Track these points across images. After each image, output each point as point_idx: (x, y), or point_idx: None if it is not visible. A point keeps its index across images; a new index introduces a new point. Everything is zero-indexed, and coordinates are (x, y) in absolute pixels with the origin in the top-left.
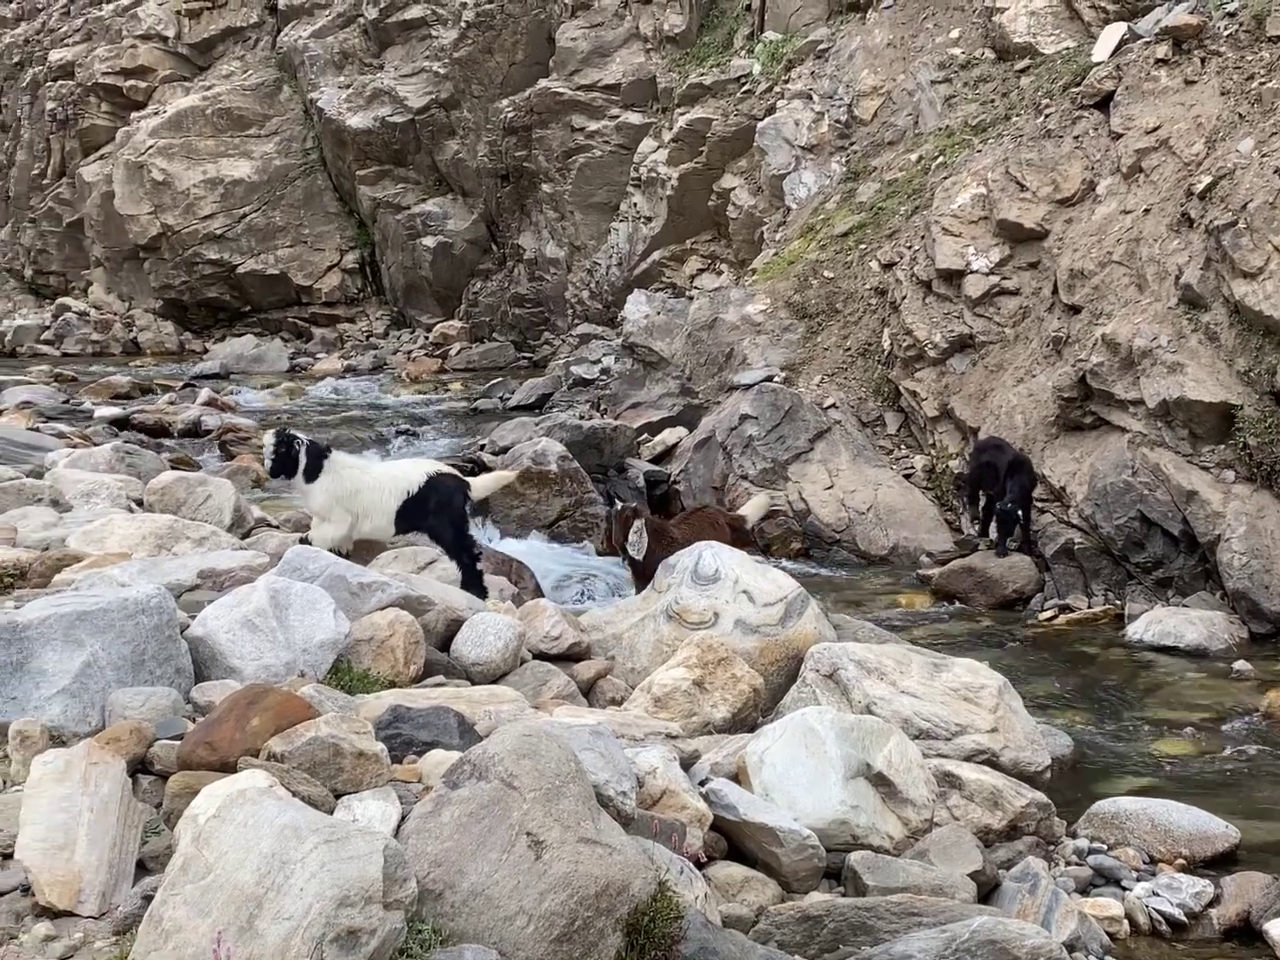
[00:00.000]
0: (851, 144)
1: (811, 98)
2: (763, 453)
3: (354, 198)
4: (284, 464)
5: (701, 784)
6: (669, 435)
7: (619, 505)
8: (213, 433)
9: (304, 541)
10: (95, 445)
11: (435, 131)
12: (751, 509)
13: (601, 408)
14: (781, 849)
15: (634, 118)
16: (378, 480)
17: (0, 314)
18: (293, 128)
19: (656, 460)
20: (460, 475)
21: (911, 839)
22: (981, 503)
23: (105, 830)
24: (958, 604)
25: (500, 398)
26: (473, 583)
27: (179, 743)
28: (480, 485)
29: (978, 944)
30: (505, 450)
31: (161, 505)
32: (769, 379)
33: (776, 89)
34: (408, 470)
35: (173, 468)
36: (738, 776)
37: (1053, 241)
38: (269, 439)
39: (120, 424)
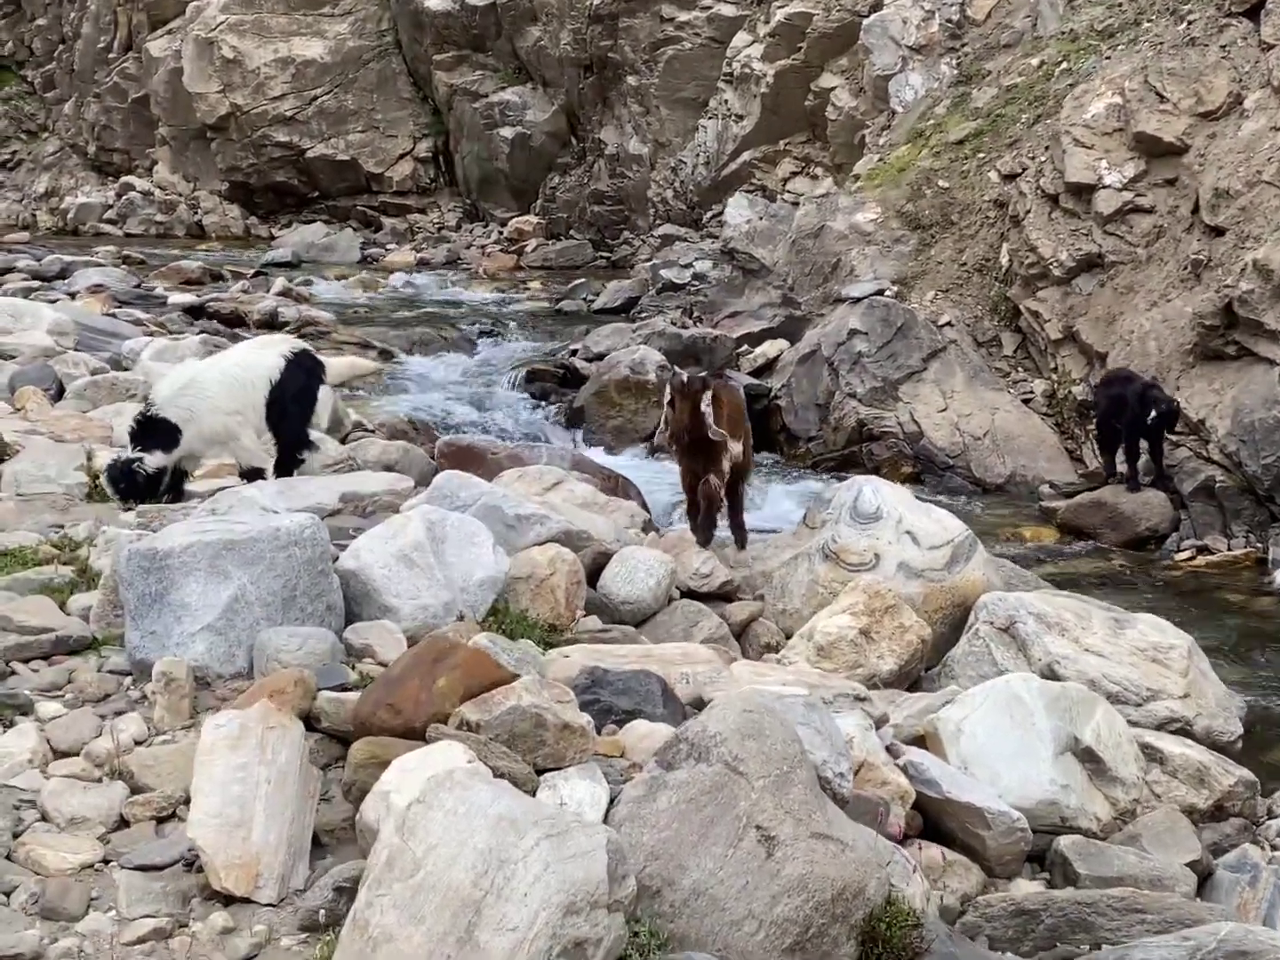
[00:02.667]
0: (963, 45)
1: None
2: (872, 370)
3: (429, 84)
4: (135, 484)
5: (888, 748)
6: (769, 348)
7: (680, 373)
8: (290, 325)
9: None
10: (171, 333)
11: (517, 16)
12: None
13: (695, 315)
14: (988, 831)
15: (727, 9)
16: (229, 375)
17: (63, 190)
18: (368, 7)
19: (756, 373)
20: (313, 351)
21: (1119, 821)
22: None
23: (283, 804)
24: (1086, 540)
25: (584, 299)
26: (285, 467)
27: (345, 695)
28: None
29: (1225, 954)
30: (600, 357)
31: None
32: (879, 292)
33: None
34: (261, 354)
35: None
36: (923, 741)
37: (1193, 158)
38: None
39: (195, 312)
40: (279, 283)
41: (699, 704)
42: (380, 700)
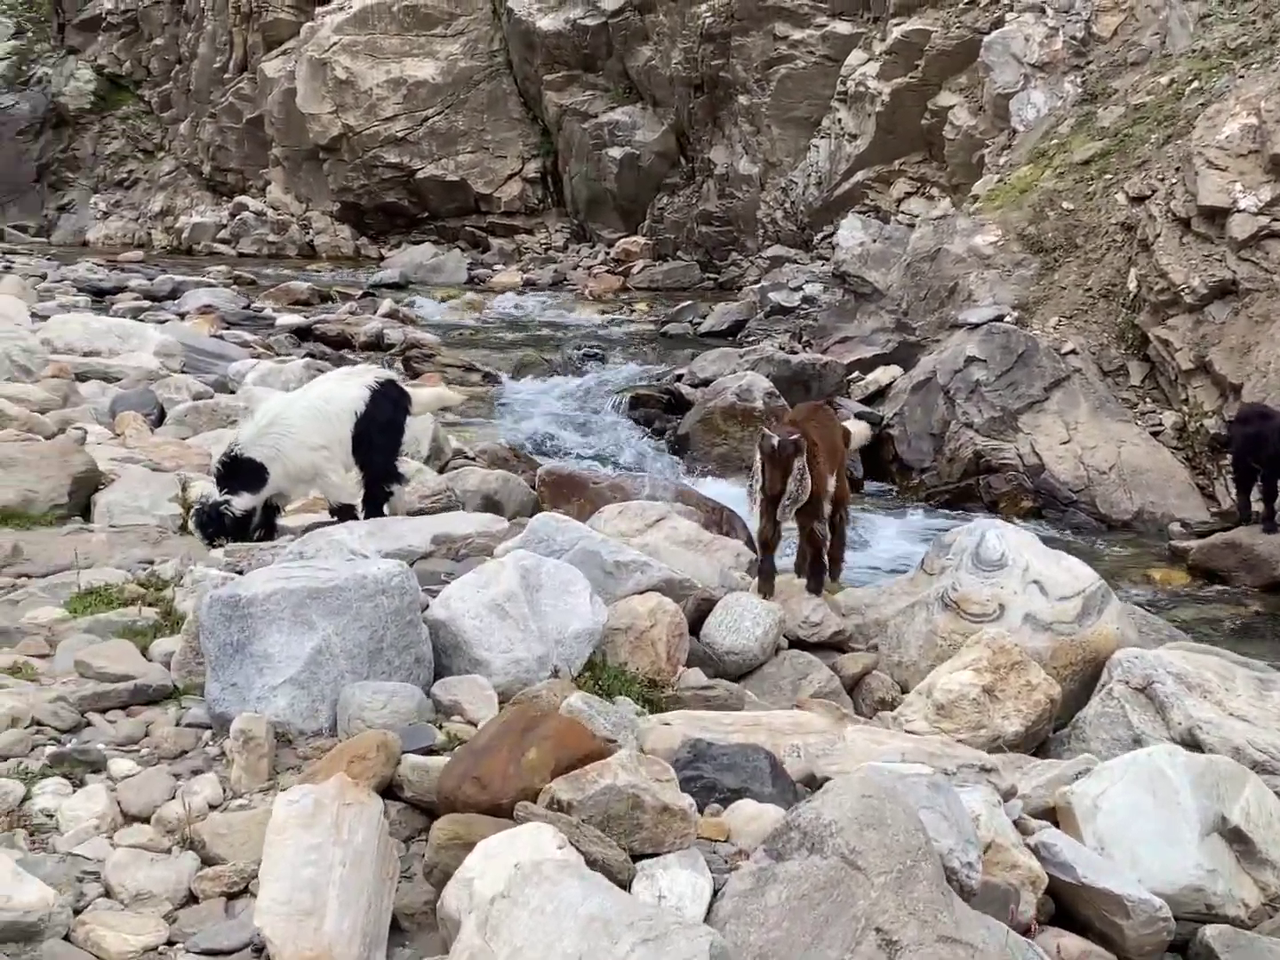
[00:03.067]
0: (1088, 63)
1: (1044, 11)
2: (991, 400)
3: (539, 104)
4: (222, 527)
5: (1016, 824)
6: (881, 374)
7: (771, 436)
8: (395, 347)
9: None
10: (278, 355)
11: (628, 36)
12: (854, 429)
13: (804, 339)
14: (1128, 920)
15: (842, 27)
16: (313, 409)
17: (178, 210)
18: (480, 28)
19: (868, 401)
20: (398, 381)
21: (1269, 907)
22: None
23: (359, 889)
24: (1220, 584)
25: (691, 322)
26: (373, 506)
27: (429, 761)
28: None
29: None
30: (706, 383)
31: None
32: (999, 318)
33: (1004, 0)
34: (345, 385)
35: None
36: (1052, 814)
37: None
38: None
39: (302, 333)
40: (385, 304)
41: (811, 781)
42: (465, 773)
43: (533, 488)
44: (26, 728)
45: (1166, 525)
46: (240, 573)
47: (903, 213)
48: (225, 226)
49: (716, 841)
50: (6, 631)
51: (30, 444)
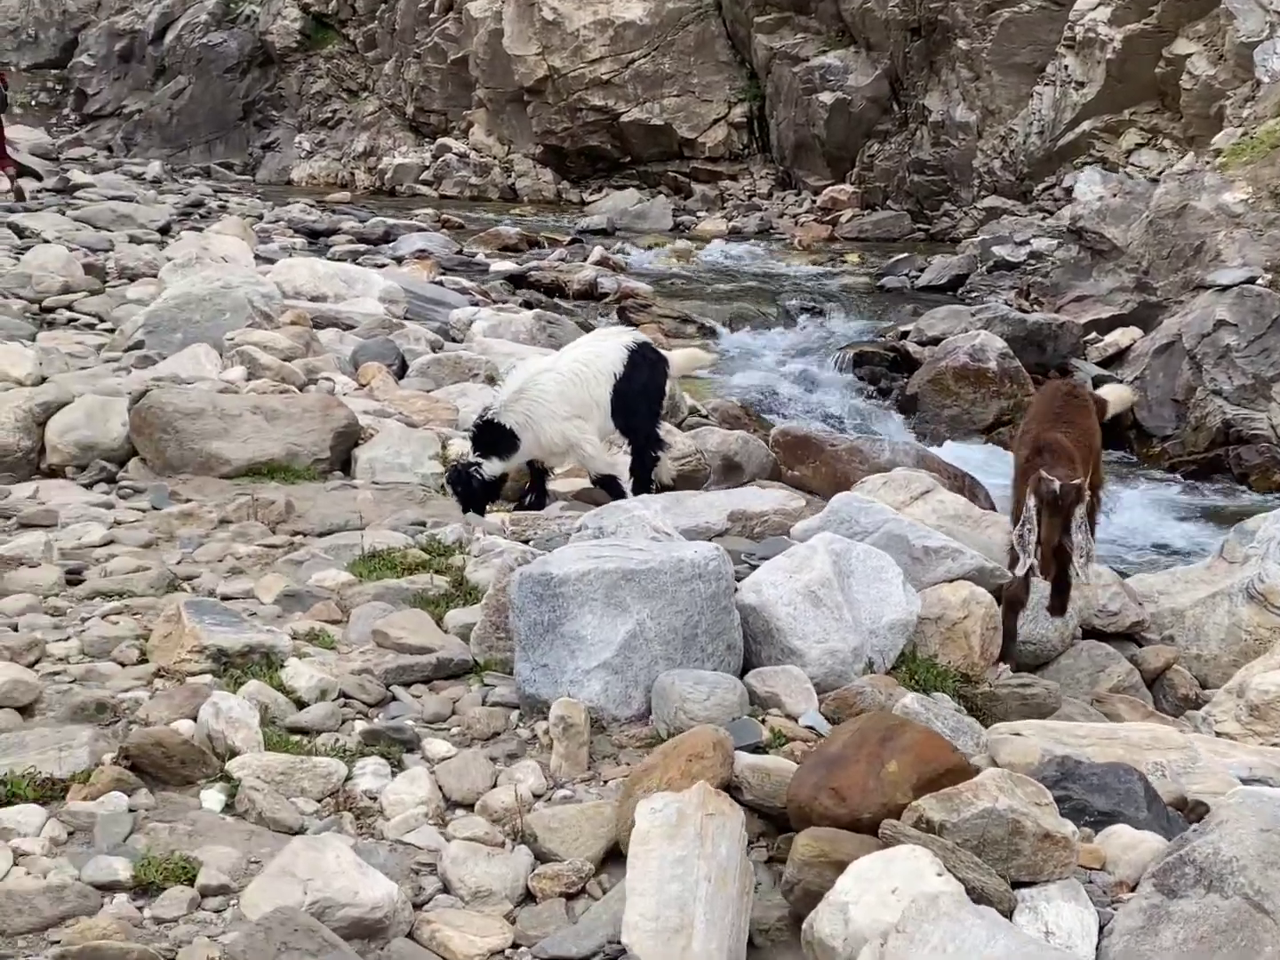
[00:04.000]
0: None
1: None
2: (1242, 366)
3: (748, 47)
4: (471, 490)
5: None
6: (1120, 336)
7: (1051, 479)
8: (609, 295)
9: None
10: (495, 303)
11: None
12: (1113, 397)
13: (1032, 297)
14: None
15: None
16: (568, 376)
17: (381, 150)
18: None
19: (1105, 364)
20: (655, 345)
21: None
22: None
23: (724, 906)
24: None
25: (907, 275)
26: (642, 483)
27: (765, 763)
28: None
29: None
30: (935, 341)
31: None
32: (1251, 280)
33: None
34: (601, 348)
35: None
36: None
37: None
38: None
39: (516, 280)
40: (596, 252)
41: (1181, 804)
42: (821, 784)
43: (769, 447)
44: (334, 700)
45: None
46: (526, 542)
47: (1132, 165)
48: (428, 168)
49: (1092, 870)
50: (298, 595)
51: (291, 396)
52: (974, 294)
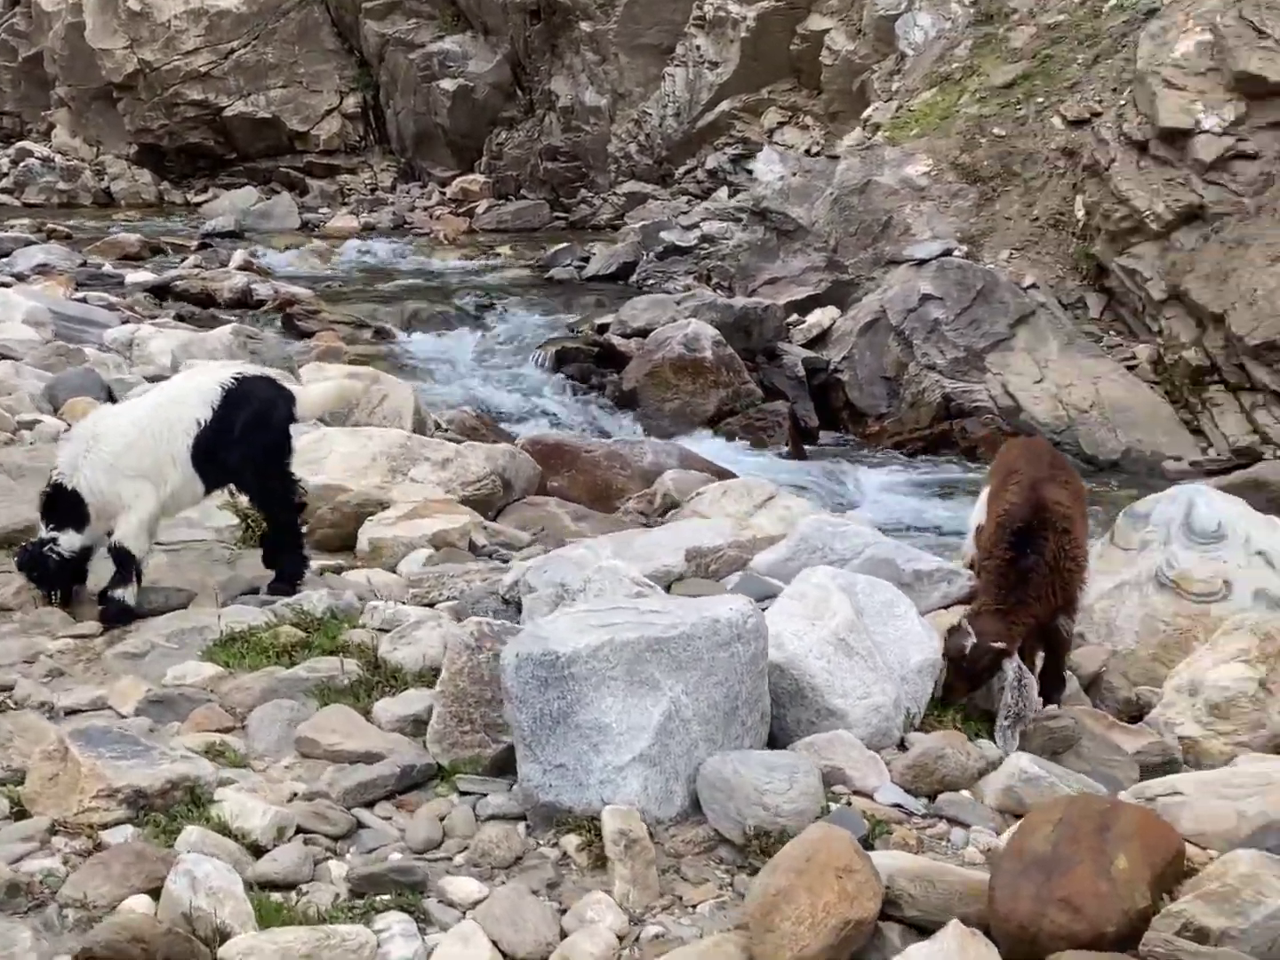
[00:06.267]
0: None
1: None
2: (953, 339)
3: (356, 33)
4: (48, 572)
5: None
6: (821, 316)
7: (965, 633)
8: (266, 303)
9: (116, 552)
10: (148, 318)
11: None
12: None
13: (714, 281)
14: None
15: None
16: (149, 417)
17: None
18: None
19: (810, 345)
20: (274, 379)
21: None
22: None
23: None
24: None
25: (573, 265)
26: (293, 551)
27: (927, 866)
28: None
29: None
30: (642, 333)
31: (331, 410)
32: (948, 253)
33: None
34: (193, 383)
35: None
36: None
37: None
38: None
39: (159, 291)
40: (238, 256)
41: None
42: (1043, 895)
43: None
44: (294, 836)
45: (1158, 464)
46: (432, 605)
47: (776, 143)
48: (7, 175)
49: None
50: (166, 699)
51: (35, 449)
52: (650, 281)
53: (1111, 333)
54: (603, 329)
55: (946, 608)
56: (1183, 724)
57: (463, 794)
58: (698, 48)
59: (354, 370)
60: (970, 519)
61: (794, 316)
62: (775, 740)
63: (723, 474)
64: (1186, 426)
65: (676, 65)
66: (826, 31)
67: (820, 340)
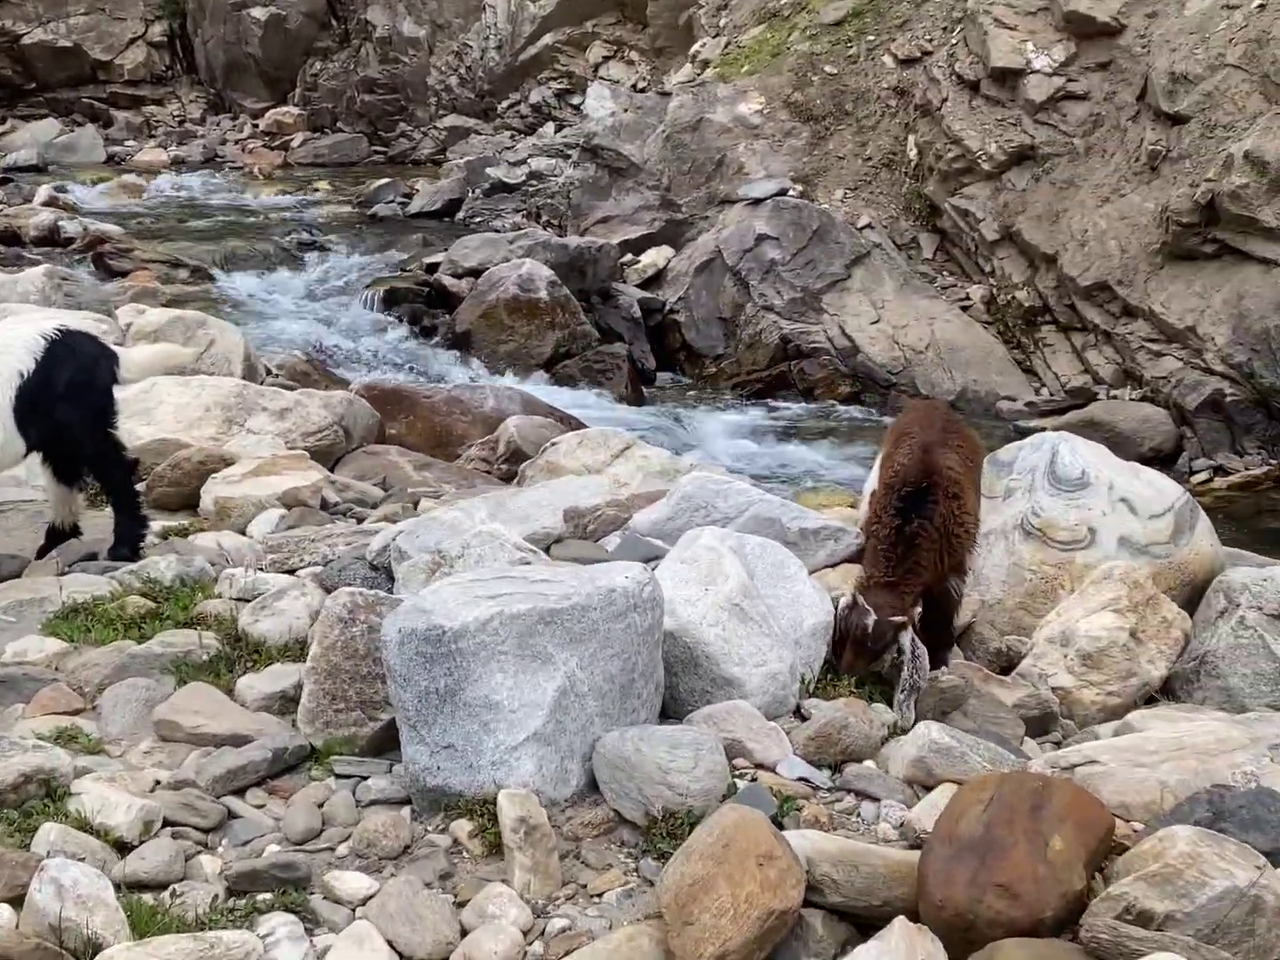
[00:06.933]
0: None
1: None
2: (789, 280)
3: None
4: None
5: None
6: (656, 256)
7: (864, 610)
8: (76, 241)
9: None
10: None
11: None
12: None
13: (544, 219)
14: None
15: None
16: None
17: None
18: None
19: (644, 285)
20: (96, 336)
21: None
22: None
23: None
24: None
25: (395, 202)
26: (129, 513)
27: (850, 847)
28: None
29: None
30: (474, 273)
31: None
32: (782, 192)
33: None
34: (14, 332)
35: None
36: None
37: (1131, 39)
38: None
39: None
40: (42, 192)
41: None
42: (979, 880)
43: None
44: (161, 830)
45: (993, 404)
46: (293, 572)
47: (602, 79)
48: None
49: None
50: (7, 679)
51: None
52: (477, 219)
53: (945, 273)
54: (432, 268)
55: (833, 566)
56: (1055, 674)
57: (339, 777)
58: None
59: (178, 314)
60: (865, 485)
61: (628, 256)
62: (667, 711)
63: (566, 419)
64: (1020, 367)
65: None
66: None
67: (655, 281)
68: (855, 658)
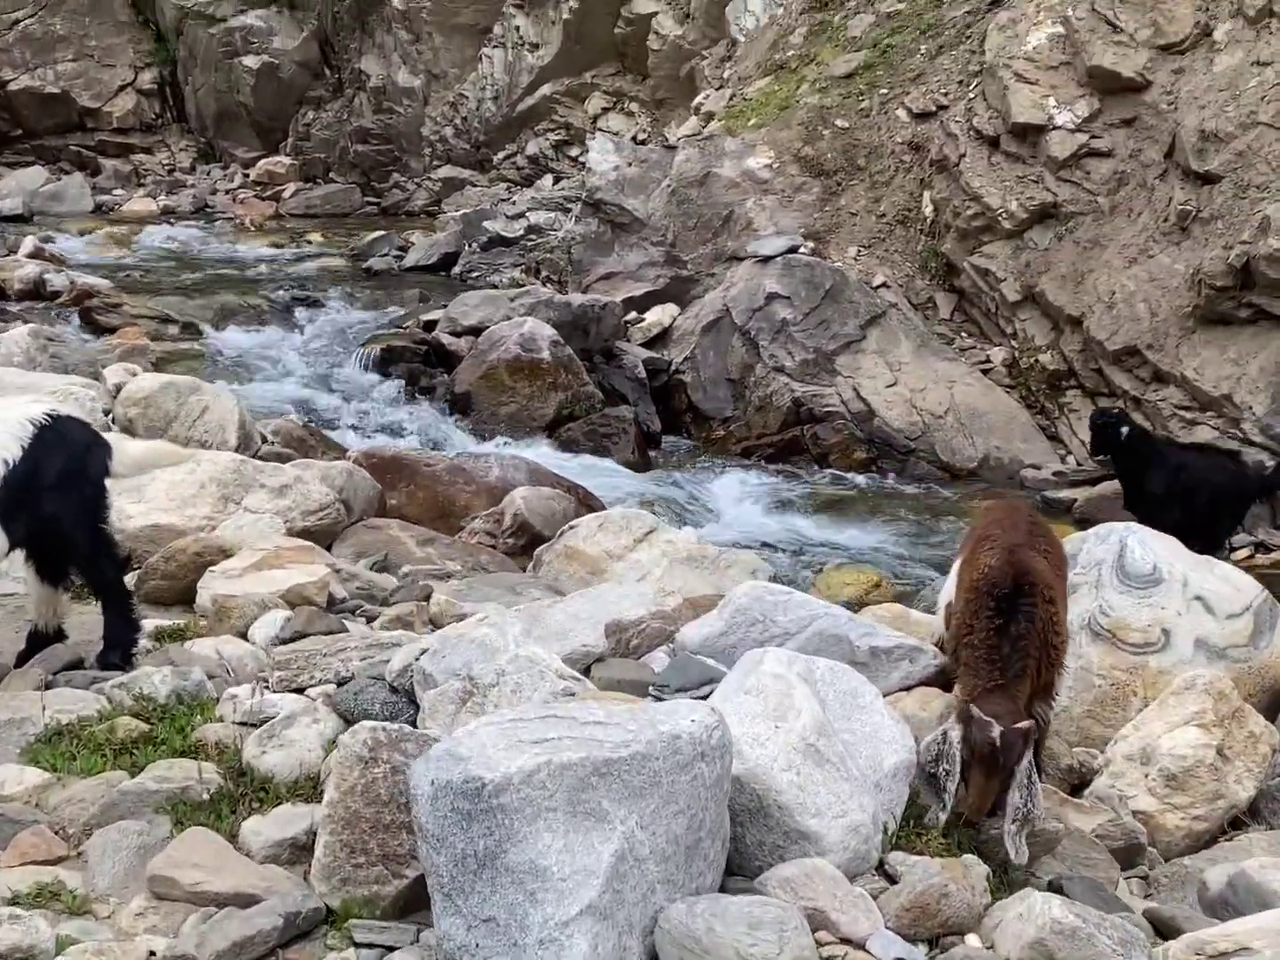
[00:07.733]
0: None
1: None
2: (801, 340)
3: (152, 5)
4: None
5: None
6: (661, 314)
7: (989, 722)
8: (62, 295)
9: None
10: None
11: None
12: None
13: (544, 275)
14: None
15: None
16: None
17: None
18: None
19: (649, 344)
20: (89, 423)
21: None
22: None
23: None
24: None
25: (390, 255)
26: (121, 615)
27: None
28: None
29: None
30: (474, 331)
31: (145, 422)
32: (793, 249)
33: None
34: None
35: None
36: None
37: (1157, 95)
38: None
39: None
40: (28, 243)
41: None
42: None
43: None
44: None
45: (1017, 472)
46: (302, 690)
47: (601, 130)
48: None
49: None
50: None
51: None
52: (474, 274)
53: (964, 334)
54: (430, 326)
55: (908, 689)
56: (1136, 796)
57: (360, 946)
58: (517, 28)
59: (170, 379)
60: (940, 595)
61: (632, 314)
62: (731, 866)
63: (573, 489)
64: (1044, 433)
65: (495, 46)
66: (654, 15)
67: (660, 340)
68: (987, 781)
